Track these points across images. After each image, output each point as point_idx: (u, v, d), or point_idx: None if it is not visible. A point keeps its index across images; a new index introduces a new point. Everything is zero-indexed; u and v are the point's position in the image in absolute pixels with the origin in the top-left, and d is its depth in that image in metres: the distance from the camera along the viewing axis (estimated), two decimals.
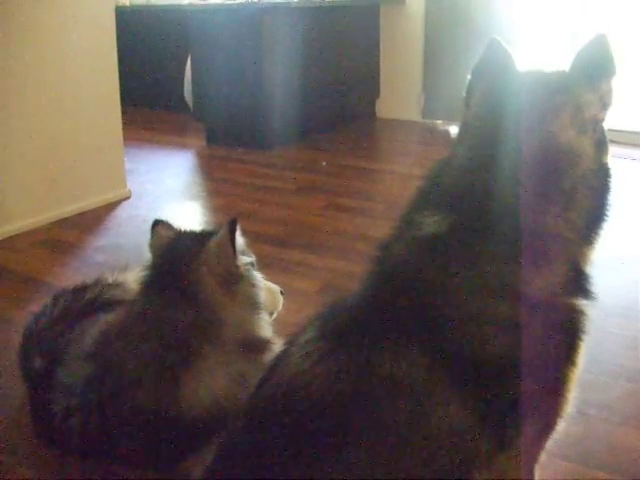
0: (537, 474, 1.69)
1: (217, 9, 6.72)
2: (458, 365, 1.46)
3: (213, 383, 2.00)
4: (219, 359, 2.02)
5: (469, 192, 1.54)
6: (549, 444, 1.69)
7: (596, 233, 1.55)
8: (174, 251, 2.12)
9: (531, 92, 1.56)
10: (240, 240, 2.10)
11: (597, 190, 1.53)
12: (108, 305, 2.41)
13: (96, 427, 2.06)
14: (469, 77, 1.66)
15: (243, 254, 2.13)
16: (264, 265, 2.29)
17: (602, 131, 1.55)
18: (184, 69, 7.43)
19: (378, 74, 8.16)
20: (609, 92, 1.54)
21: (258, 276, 2.18)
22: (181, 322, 2.00)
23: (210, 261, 2.03)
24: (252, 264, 2.18)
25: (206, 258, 2.03)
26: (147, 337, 2.02)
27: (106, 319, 2.23)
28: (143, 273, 2.14)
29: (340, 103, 7.55)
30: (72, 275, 3.69)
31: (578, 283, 1.54)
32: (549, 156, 1.48)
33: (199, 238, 2.12)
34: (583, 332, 1.55)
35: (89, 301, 2.45)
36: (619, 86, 1.52)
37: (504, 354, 1.47)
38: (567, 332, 1.53)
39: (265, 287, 2.23)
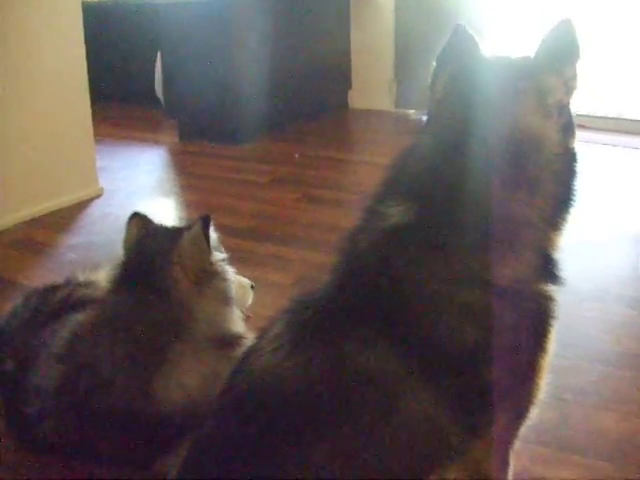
0: (512, 460, 1.69)
1: (187, 3, 6.66)
2: (427, 355, 1.47)
3: (185, 380, 2.00)
4: (191, 356, 2.02)
5: (433, 180, 1.53)
6: (525, 430, 1.69)
7: (563, 218, 1.55)
8: (146, 248, 2.11)
9: (495, 78, 1.55)
10: (213, 236, 2.09)
11: (563, 175, 1.52)
12: (79, 305, 2.38)
13: (70, 428, 2.05)
14: (434, 64, 1.65)
15: (216, 250, 2.12)
16: (238, 259, 2.29)
17: (568, 116, 1.55)
18: (155, 64, 7.39)
19: (350, 65, 8.12)
20: (574, 77, 1.53)
21: (230, 271, 2.17)
22: (152, 320, 1.99)
23: (183, 258, 2.02)
24: (224, 259, 2.17)
25: (179, 255, 2.02)
26: (119, 335, 2.01)
27: (77, 319, 2.21)
28: (115, 270, 2.12)
29: (312, 95, 7.52)
30: (44, 275, 3.66)
31: (546, 269, 1.54)
32: (513, 142, 1.48)
33: (172, 234, 2.11)
34: (552, 318, 1.55)
35: (60, 301, 2.42)
36: (596, 72, 1.53)
37: (473, 343, 1.47)
38: (536, 319, 1.53)
39: (236, 281, 2.22)
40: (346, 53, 8.04)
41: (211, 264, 2.05)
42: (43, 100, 4.74)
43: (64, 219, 4.75)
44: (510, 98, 1.51)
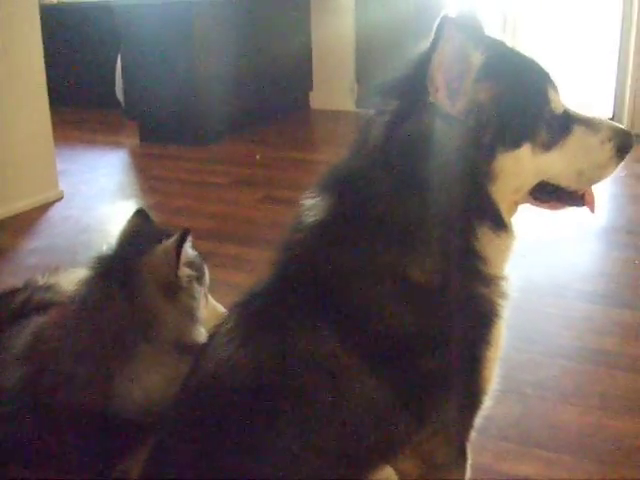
0: (470, 454, 1.70)
1: (147, 4, 6.64)
2: (367, 343, 1.50)
3: (147, 382, 1.99)
4: (155, 359, 2.01)
5: (353, 177, 1.56)
6: (486, 425, 1.70)
7: (481, 216, 1.51)
8: (128, 247, 2.12)
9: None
10: (190, 253, 2.09)
11: (464, 174, 1.48)
12: (39, 308, 2.36)
13: (32, 431, 2.03)
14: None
15: (190, 266, 2.11)
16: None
17: (478, 116, 1.49)
18: (115, 66, 7.35)
19: (311, 66, 8.15)
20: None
21: (200, 292, 2.16)
22: (118, 318, 1.99)
23: (153, 265, 2.03)
24: (198, 278, 2.16)
25: (150, 262, 2.03)
26: (82, 333, 2.00)
27: (38, 321, 2.20)
28: (93, 262, 2.12)
29: (273, 96, 7.53)
30: (5, 279, 3.62)
31: (472, 266, 1.53)
32: (416, 141, 1.47)
33: (155, 239, 2.11)
34: (492, 313, 1.56)
35: (19, 305, 2.40)
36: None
37: (408, 333, 1.50)
38: (470, 313, 1.54)
39: (210, 306, 2.23)
40: (307, 54, 8.06)
41: (177, 277, 2.04)
42: (1, 105, 4.71)
43: (24, 223, 4.72)
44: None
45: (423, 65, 1.46)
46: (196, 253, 2.16)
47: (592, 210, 1.66)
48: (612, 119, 6.39)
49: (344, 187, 1.56)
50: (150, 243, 2.08)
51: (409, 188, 1.48)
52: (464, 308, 1.52)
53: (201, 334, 2.12)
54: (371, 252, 1.50)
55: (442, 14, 1.43)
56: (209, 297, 2.27)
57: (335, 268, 1.52)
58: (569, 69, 7.48)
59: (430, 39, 1.48)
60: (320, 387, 1.49)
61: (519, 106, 1.49)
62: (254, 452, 1.49)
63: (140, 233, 2.17)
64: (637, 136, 1.67)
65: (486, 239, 1.51)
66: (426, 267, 1.49)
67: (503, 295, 1.58)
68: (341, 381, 1.49)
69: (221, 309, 2.30)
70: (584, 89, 7.47)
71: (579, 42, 9.16)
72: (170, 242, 2.03)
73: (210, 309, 2.24)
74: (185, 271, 2.06)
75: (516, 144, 1.48)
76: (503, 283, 1.58)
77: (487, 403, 1.64)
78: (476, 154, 1.46)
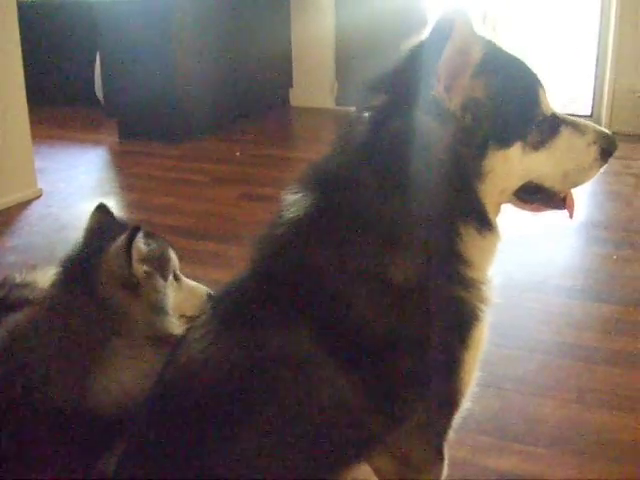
0: (446, 453, 1.70)
1: (126, 1, 6.61)
2: (339, 343, 1.49)
3: (123, 377, 1.98)
4: (129, 353, 2.00)
5: (332, 173, 1.57)
6: (465, 420, 1.70)
7: (467, 216, 1.50)
8: (90, 244, 2.10)
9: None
10: (143, 248, 2.05)
11: (453, 172, 1.48)
12: (16, 305, 2.35)
13: (8, 432, 2.01)
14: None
15: (146, 262, 2.07)
16: (179, 258, 2.27)
17: (474, 112, 1.48)
18: (94, 64, 7.32)
19: (291, 63, 8.13)
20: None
21: (163, 284, 2.13)
22: (86, 316, 1.98)
23: (107, 264, 2.01)
24: (161, 269, 2.13)
25: (105, 260, 2.01)
26: (55, 332, 1.99)
27: (14, 319, 2.18)
28: (60, 263, 2.11)
29: (253, 93, 7.51)
30: None
31: (453, 269, 1.52)
32: (405, 137, 1.47)
33: (115, 235, 2.09)
34: (471, 316, 1.56)
35: None
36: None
37: (382, 334, 1.49)
38: (448, 316, 1.53)
39: (187, 289, 2.20)
40: (287, 51, 8.05)
41: (132, 275, 2.02)
42: None
43: (2, 221, 4.69)
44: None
45: (415, 59, 1.47)
46: (154, 246, 2.12)
47: (571, 215, 1.69)
48: (591, 117, 6.44)
49: (327, 184, 1.56)
50: (108, 240, 2.06)
51: (395, 186, 1.47)
52: (442, 310, 1.51)
53: (173, 325, 2.11)
54: (351, 250, 1.50)
55: (452, 7, 1.42)
56: (184, 280, 2.23)
57: (313, 265, 1.52)
58: (548, 68, 7.51)
59: (423, 33, 1.48)
60: (291, 384, 1.49)
61: (513, 105, 1.49)
62: (225, 448, 1.49)
63: (101, 230, 2.16)
64: (616, 134, 1.68)
65: (470, 240, 1.51)
66: (407, 267, 1.49)
67: (484, 300, 1.57)
68: (312, 379, 1.49)
69: (202, 290, 2.26)
70: (563, 87, 7.51)
71: (558, 40, 9.21)
72: (120, 241, 2.01)
73: (186, 292, 2.21)
74: (140, 268, 2.04)
75: (508, 143, 1.49)
76: (485, 287, 1.58)
77: (465, 405, 1.64)
78: (467, 152, 1.47)
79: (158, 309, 2.08)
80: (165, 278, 2.11)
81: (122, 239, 2.00)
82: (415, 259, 1.49)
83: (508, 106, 1.48)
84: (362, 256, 1.49)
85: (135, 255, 2.00)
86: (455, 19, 1.40)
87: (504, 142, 1.48)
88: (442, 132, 1.45)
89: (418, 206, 1.46)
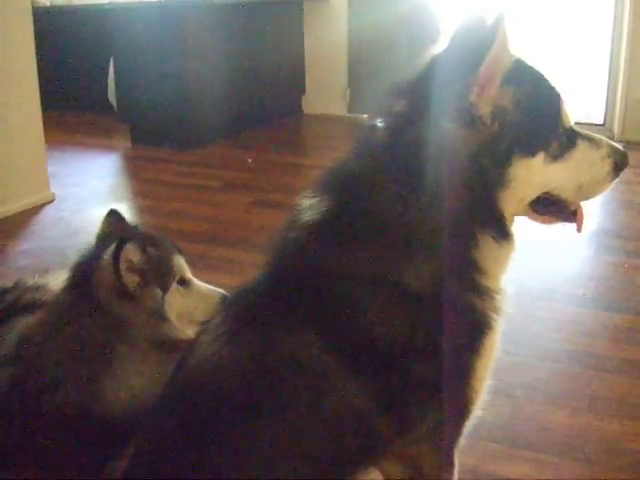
0: (457, 460, 1.69)
1: (139, 7, 6.64)
2: (351, 348, 1.49)
3: (132, 382, 2.00)
4: (135, 358, 2.01)
5: (350, 178, 1.56)
6: (476, 427, 1.70)
7: (485, 225, 1.51)
8: (95, 251, 2.11)
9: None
10: (135, 259, 2.03)
11: (476, 180, 1.48)
12: (28, 308, 2.36)
13: (20, 433, 2.02)
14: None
15: (137, 272, 2.05)
16: (190, 263, 2.27)
17: (502, 120, 1.47)
18: (107, 70, 7.35)
19: (303, 70, 8.14)
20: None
21: (159, 293, 2.11)
22: (90, 321, 1.99)
23: (101, 274, 2.02)
24: (162, 278, 2.11)
25: (98, 270, 2.02)
26: (65, 336, 2.00)
27: (26, 322, 2.19)
28: (70, 267, 2.12)
29: (266, 100, 7.53)
30: None
31: (468, 277, 1.52)
32: (426, 144, 1.47)
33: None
34: (483, 325, 1.56)
35: (8, 305, 2.39)
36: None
37: (395, 340, 1.49)
38: (461, 324, 1.53)
39: (197, 294, 2.18)
40: (300, 59, 8.06)
41: (123, 285, 2.01)
42: None
43: (15, 225, 4.71)
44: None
45: (439, 67, 1.48)
46: (152, 254, 2.10)
47: (579, 229, 1.70)
48: (603, 126, 6.43)
49: (344, 188, 1.56)
50: (108, 248, 2.06)
51: (414, 192, 1.47)
52: (456, 318, 1.51)
53: (178, 331, 2.10)
54: (366, 255, 1.50)
55: (497, 12, 1.42)
56: (196, 285, 2.22)
57: (327, 269, 1.52)
58: (561, 77, 7.50)
59: (444, 41, 1.49)
60: (301, 389, 1.49)
61: (539, 115, 1.50)
62: (235, 451, 1.48)
63: (113, 235, 2.15)
64: (628, 143, 1.69)
65: (487, 249, 1.51)
66: (422, 274, 1.49)
67: (497, 309, 1.57)
68: (323, 383, 1.49)
69: (215, 294, 2.23)
70: (575, 97, 7.49)
71: (570, 50, 9.18)
72: (108, 252, 2.01)
73: (196, 298, 2.19)
74: (130, 278, 2.02)
75: (532, 152, 1.49)
76: (498, 297, 1.57)
77: (476, 413, 1.64)
78: (492, 160, 1.47)
79: (158, 315, 2.07)
80: (164, 287, 2.10)
81: (109, 250, 2.00)
82: (431, 266, 1.49)
83: (534, 116, 1.49)
84: (377, 261, 1.49)
85: (123, 266, 1.99)
86: (498, 23, 1.40)
87: (529, 151, 1.49)
88: (468, 139, 1.45)
89: (437, 213, 1.47)
